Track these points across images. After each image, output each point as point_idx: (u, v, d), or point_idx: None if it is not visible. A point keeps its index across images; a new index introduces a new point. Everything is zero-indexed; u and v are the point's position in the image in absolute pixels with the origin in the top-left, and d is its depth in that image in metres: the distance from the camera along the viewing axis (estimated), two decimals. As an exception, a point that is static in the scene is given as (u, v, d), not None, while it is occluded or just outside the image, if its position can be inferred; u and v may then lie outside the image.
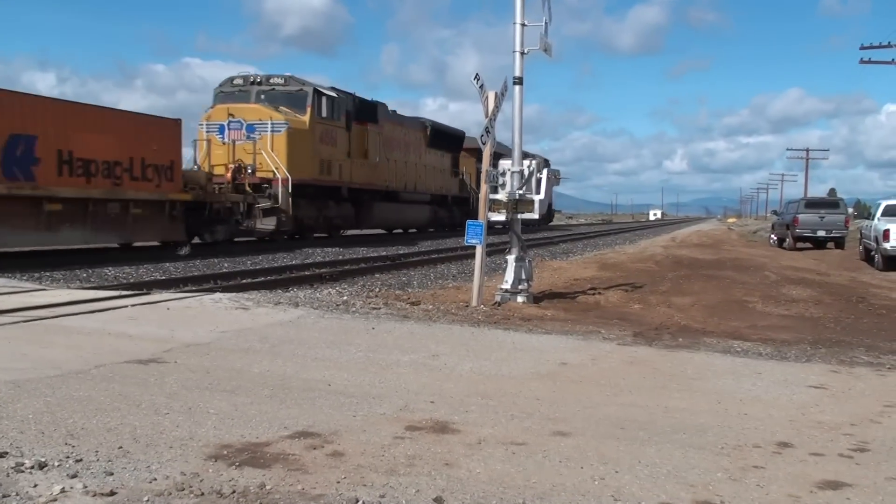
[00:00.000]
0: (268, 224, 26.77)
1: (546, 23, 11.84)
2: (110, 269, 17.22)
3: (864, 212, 47.83)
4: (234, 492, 3.87)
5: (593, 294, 13.76)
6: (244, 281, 15.65)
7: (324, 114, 29.87)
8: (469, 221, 11.76)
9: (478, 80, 11.47)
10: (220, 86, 29.80)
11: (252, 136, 27.24)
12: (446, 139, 43.47)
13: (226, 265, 19.48)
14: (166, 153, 22.15)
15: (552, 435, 5.04)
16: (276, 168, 26.85)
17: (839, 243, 34.26)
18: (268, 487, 3.94)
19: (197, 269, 18.11)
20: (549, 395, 6.19)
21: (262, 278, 16.27)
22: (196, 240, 24.11)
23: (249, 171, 26.36)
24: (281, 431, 4.91)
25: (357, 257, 22.93)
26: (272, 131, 27.29)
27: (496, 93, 11.65)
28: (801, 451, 4.86)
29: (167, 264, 18.92)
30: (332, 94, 30.56)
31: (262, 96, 28.76)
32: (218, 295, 11.50)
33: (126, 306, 10.07)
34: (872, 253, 24.16)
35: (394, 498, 3.87)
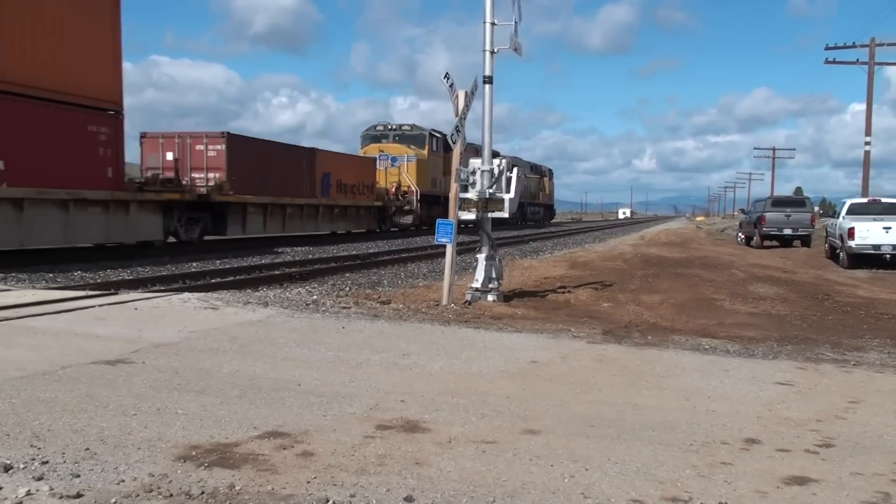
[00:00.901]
0: (407, 220, 43.53)
1: (516, 22, 11.86)
2: (77, 269, 17.03)
3: (830, 210, 48.47)
4: (203, 493, 3.85)
5: (563, 292, 13.82)
6: (213, 280, 15.56)
7: (433, 148, 45.60)
8: (439, 220, 11.76)
9: (448, 79, 11.47)
10: (366, 130, 46.18)
11: (395, 164, 43.08)
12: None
13: (194, 265, 19.35)
14: (369, 178, 39.62)
15: (522, 433, 5.05)
16: (411, 184, 43.11)
17: (805, 241, 34.64)
18: (237, 488, 3.92)
19: (165, 269, 17.97)
20: (519, 393, 6.20)
21: (232, 278, 16.20)
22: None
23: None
24: (250, 432, 4.88)
25: (327, 256, 22.87)
26: (407, 161, 43.58)
27: (466, 92, 11.67)
28: (768, 448, 4.91)
29: (135, 264, 18.75)
30: (437, 134, 45.49)
31: (397, 138, 44.88)
32: (186, 295, 11.41)
33: (93, 306, 9.96)
34: (838, 251, 24.46)
35: (364, 497, 3.86)
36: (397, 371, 6.88)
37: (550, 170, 78.07)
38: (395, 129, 45.52)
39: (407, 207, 42.86)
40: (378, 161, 41.73)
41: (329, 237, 35.14)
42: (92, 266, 17.72)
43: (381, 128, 45.92)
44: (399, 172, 42.88)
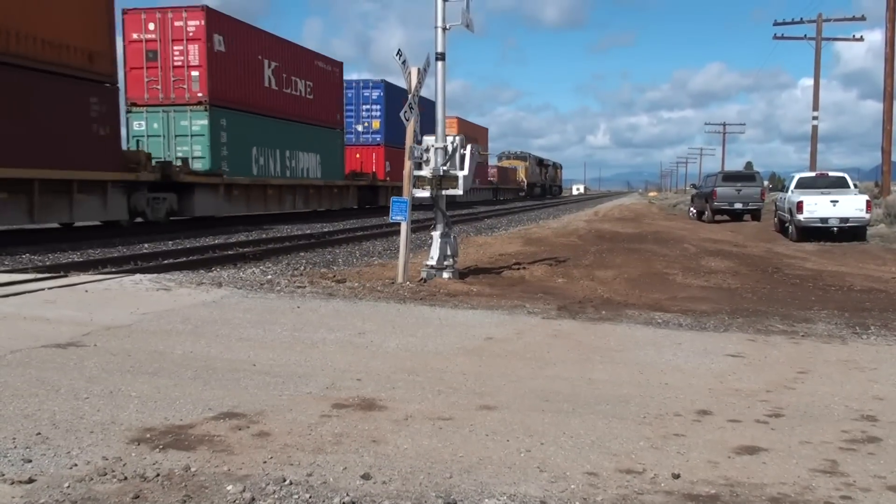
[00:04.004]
0: None
1: (468, -2, 11.81)
2: (25, 252, 16.71)
3: (779, 184, 49.13)
4: (158, 475, 3.82)
5: (518, 269, 13.88)
6: (165, 262, 15.38)
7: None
8: (394, 198, 11.73)
9: (400, 55, 11.40)
10: None
11: None
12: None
13: (146, 246, 19.11)
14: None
15: (479, 409, 5.08)
16: None
17: (755, 215, 35.16)
18: (193, 469, 3.90)
19: (116, 251, 17.72)
20: (475, 369, 6.24)
21: (184, 258, 16.03)
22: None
23: None
24: (205, 413, 4.85)
25: (281, 236, 22.71)
26: None
27: (419, 68, 11.61)
28: (719, 419, 5.00)
29: (84, 246, 18.45)
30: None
31: None
32: (138, 276, 11.27)
33: (42, 289, 9.79)
34: (787, 224, 24.85)
35: (321, 476, 3.87)
36: (353, 350, 6.87)
37: (560, 164, 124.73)
38: None
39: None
40: None
41: (281, 216, 33.89)
42: (40, 248, 17.41)
43: None
44: None
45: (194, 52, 26.44)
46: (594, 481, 3.89)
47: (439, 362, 6.46)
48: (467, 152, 12.11)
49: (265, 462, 4.03)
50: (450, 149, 11.97)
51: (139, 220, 24.14)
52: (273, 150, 31.36)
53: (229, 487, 3.69)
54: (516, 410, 5.07)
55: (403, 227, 11.61)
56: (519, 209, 53.34)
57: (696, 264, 15.64)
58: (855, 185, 25.69)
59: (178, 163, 26.12)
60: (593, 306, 9.76)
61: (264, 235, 22.90)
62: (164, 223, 24.89)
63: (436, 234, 12.05)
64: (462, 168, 11.98)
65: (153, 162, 24.74)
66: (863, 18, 43.44)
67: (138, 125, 26.91)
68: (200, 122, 26.71)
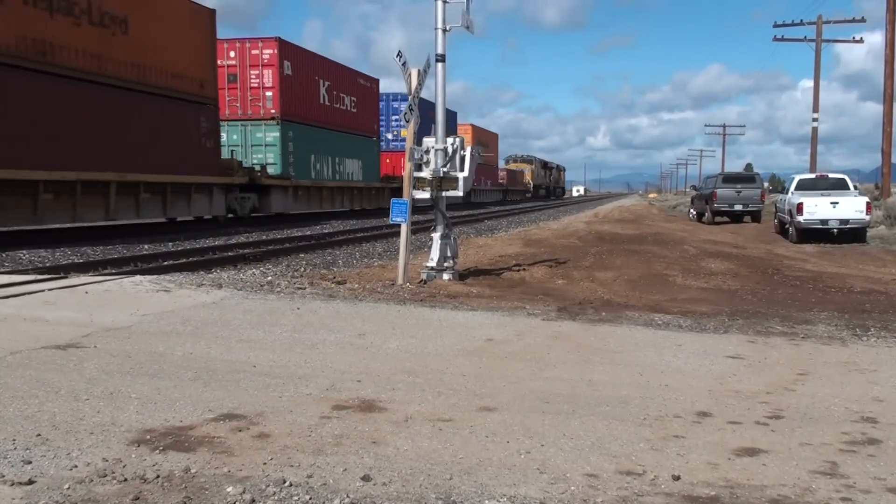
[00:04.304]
0: None
1: (467, 0, 11.81)
2: (24, 252, 16.71)
3: (779, 186, 49.11)
4: (158, 476, 3.82)
5: (518, 270, 13.88)
6: (165, 263, 15.36)
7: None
8: (394, 200, 11.72)
9: (400, 57, 11.41)
10: None
11: None
12: None
13: (146, 247, 19.11)
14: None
15: (478, 411, 5.08)
16: None
17: (755, 217, 35.13)
18: (193, 471, 3.90)
19: (116, 252, 17.72)
20: (475, 371, 6.24)
21: (185, 260, 16.02)
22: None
23: None
24: (206, 414, 4.85)
25: (281, 237, 22.72)
26: None
27: (419, 70, 11.62)
28: (719, 420, 5.00)
29: (85, 247, 18.46)
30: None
31: None
32: (138, 277, 11.27)
33: (42, 291, 9.79)
34: (787, 226, 24.84)
35: (321, 477, 3.87)
36: (353, 351, 6.88)
37: (563, 166, 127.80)
38: None
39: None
40: None
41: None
42: (40, 250, 17.40)
43: None
44: None
45: (268, 76, 31.75)
46: (594, 483, 3.89)
47: (439, 364, 6.46)
48: (467, 154, 12.10)
49: (265, 463, 4.03)
50: (450, 150, 11.97)
51: (230, 215, 28.98)
52: (326, 156, 36.43)
53: (229, 489, 3.69)
54: (516, 412, 5.07)
55: (403, 229, 11.61)
56: (519, 210, 53.37)
57: (696, 266, 15.64)
58: (855, 187, 25.70)
59: (258, 168, 30.74)
60: (593, 308, 9.76)
61: (265, 237, 22.90)
62: (248, 218, 29.98)
63: (436, 236, 12.05)
64: (462, 169, 11.98)
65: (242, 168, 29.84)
66: (863, 20, 43.46)
67: (222, 137, 30.34)
68: (273, 134, 31.88)
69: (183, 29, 24.92)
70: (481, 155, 64.29)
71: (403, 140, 47.96)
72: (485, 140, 70.15)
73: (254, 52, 31.66)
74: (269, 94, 31.59)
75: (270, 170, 31.46)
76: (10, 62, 18.32)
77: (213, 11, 26.96)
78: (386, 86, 47.34)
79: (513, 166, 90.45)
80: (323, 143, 35.73)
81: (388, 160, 47.44)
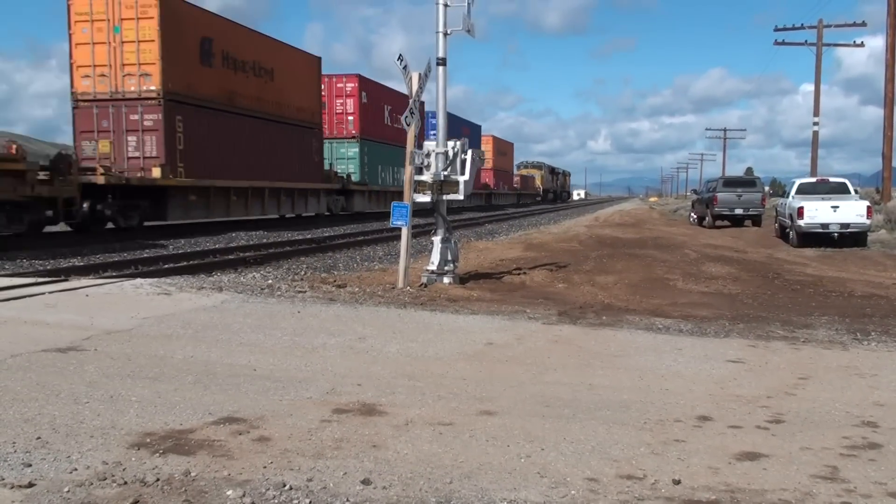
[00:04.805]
0: None
1: (469, 3, 11.81)
2: (26, 256, 16.71)
3: (780, 190, 49.12)
4: (157, 480, 3.82)
5: (518, 274, 13.88)
6: (166, 266, 15.37)
7: None
8: (394, 203, 11.73)
9: (401, 60, 11.42)
10: None
11: None
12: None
13: (147, 251, 19.11)
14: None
15: (479, 414, 5.08)
16: None
17: (756, 221, 35.09)
18: (193, 474, 3.90)
19: (117, 255, 17.73)
20: (475, 375, 6.23)
21: (185, 263, 16.02)
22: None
23: None
24: (206, 418, 4.85)
25: (282, 240, 22.72)
26: None
27: (420, 73, 11.63)
28: (720, 424, 4.99)
29: (86, 250, 18.46)
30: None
31: None
32: (139, 280, 11.27)
33: (43, 293, 9.79)
34: (787, 230, 24.81)
35: (321, 481, 3.86)
36: (353, 355, 6.87)
37: (569, 172, 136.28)
38: None
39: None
40: None
41: (283, 220, 35.03)
42: (42, 253, 17.41)
43: None
44: None
45: (350, 104, 40.46)
46: (595, 487, 3.89)
47: (440, 367, 6.46)
48: (468, 157, 12.10)
49: (265, 467, 4.03)
50: (450, 154, 11.97)
51: (327, 213, 37.88)
52: (388, 167, 44.85)
53: (229, 492, 3.68)
54: (517, 416, 5.07)
55: (404, 233, 11.61)
56: (520, 214, 53.35)
57: (697, 270, 15.64)
58: (856, 191, 25.66)
59: (345, 176, 39.58)
60: (594, 312, 9.76)
61: (265, 240, 22.90)
62: (339, 215, 38.82)
63: (436, 240, 12.05)
64: (463, 173, 11.98)
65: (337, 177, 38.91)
66: (863, 24, 43.41)
67: None
68: (354, 150, 40.72)
69: (302, 73, 34.26)
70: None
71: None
72: (503, 149, 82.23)
73: (339, 85, 40.18)
74: (350, 118, 40.47)
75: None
76: (216, 107, 27.37)
77: (319, 59, 36.21)
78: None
79: (524, 172, 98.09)
80: (387, 156, 44.13)
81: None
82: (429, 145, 12.01)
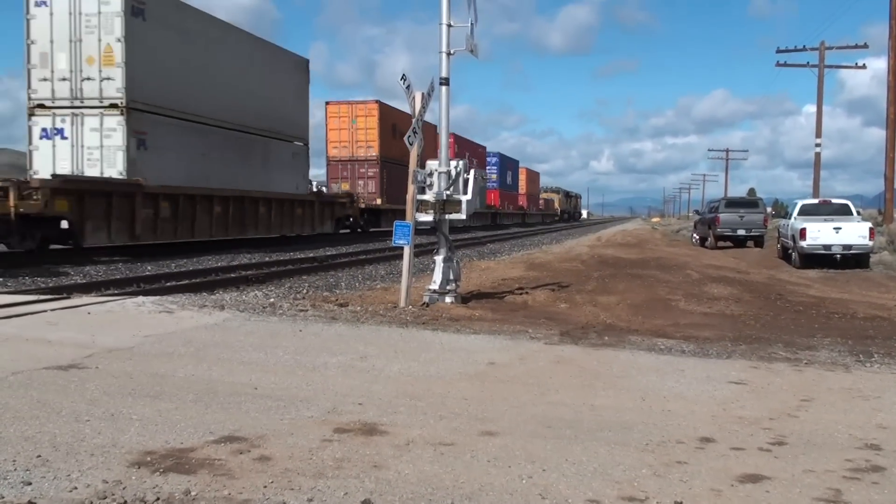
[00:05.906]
0: None
1: (472, 24, 11.86)
2: (27, 273, 16.73)
3: (782, 211, 49.14)
4: (158, 499, 3.80)
5: (521, 294, 13.87)
6: (168, 284, 15.39)
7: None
8: (397, 222, 11.74)
9: (405, 80, 11.46)
10: None
11: None
12: None
13: (149, 268, 19.12)
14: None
15: (480, 435, 5.06)
16: None
17: (758, 242, 35.12)
18: (193, 493, 3.88)
19: (119, 273, 17.74)
20: (477, 395, 6.22)
21: (187, 281, 16.03)
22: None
23: None
24: (206, 436, 4.84)
25: (284, 259, 22.75)
26: None
27: (423, 93, 11.67)
28: (722, 446, 4.97)
29: (88, 268, 18.48)
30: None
31: None
32: (141, 298, 11.27)
33: (45, 311, 9.79)
34: (790, 251, 24.83)
35: (322, 501, 3.85)
36: (355, 374, 6.86)
37: (579, 194, 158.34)
38: None
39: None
40: None
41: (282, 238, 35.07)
42: (43, 270, 17.43)
43: None
44: None
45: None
46: (596, 509, 3.87)
47: (441, 387, 6.44)
48: (471, 177, 12.12)
49: (266, 486, 4.01)
50: (453, 173, 11.99)
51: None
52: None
53: (229, 512, 3.67)
54: (518, 436, 5.05)
55: (406, 252, 11.62)
56: (523, 234, 53.39)
57: (699, 290, 15.63)
58: (858, 213, 25.71)
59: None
60: (596, 332, 9.75)
61: (267, 259, 22.92)
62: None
63: (439, 259, 12.05)
64: (465, 192, 12.00)
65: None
66: (865, 46, 43.57)
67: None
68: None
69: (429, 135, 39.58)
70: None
71: (493, 182, 65.26)
72: (532, 178, 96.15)
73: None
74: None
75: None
76: (397, 163, 39.56)
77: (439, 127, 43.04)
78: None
79: (545, 196, 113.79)
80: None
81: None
82: (431, 164, 12.04)
